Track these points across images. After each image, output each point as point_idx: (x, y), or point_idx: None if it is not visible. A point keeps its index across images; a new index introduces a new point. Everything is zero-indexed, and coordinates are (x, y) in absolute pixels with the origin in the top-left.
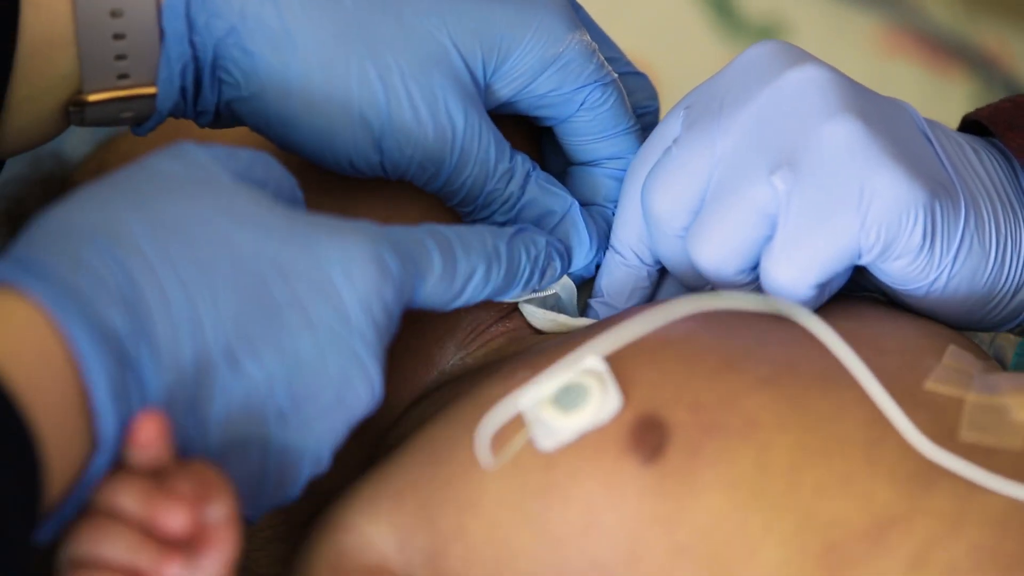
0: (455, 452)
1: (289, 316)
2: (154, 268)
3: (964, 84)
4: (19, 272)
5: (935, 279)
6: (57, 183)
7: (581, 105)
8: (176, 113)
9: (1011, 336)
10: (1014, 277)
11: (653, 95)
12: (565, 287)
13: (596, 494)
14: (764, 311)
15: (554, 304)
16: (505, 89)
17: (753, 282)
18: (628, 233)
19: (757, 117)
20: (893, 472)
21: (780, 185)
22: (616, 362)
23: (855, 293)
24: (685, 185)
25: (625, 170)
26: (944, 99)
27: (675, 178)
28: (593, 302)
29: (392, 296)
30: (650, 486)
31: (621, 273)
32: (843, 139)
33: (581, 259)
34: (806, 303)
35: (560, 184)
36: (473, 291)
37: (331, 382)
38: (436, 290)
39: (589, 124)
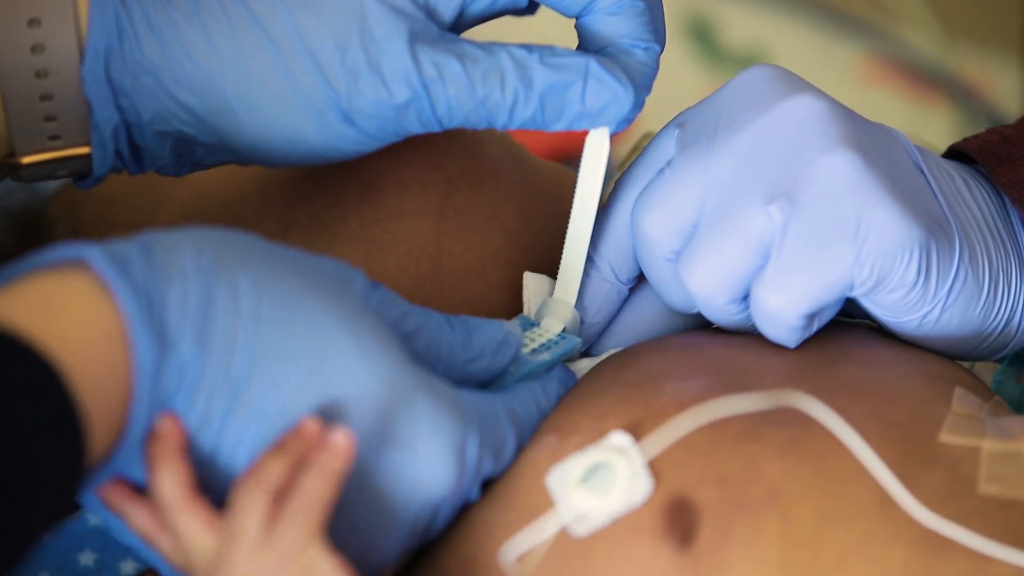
0: (492, 534)
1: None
2: (239, 324)
3: (945, 114)
4: (105, 261)
5: (928, 312)
6: (31, 216)
7: None
8: (121, 170)
9: (989, 363)
10: (1005, 309)
11: None
12: (572, 320)
13: None
14: (772, 407)
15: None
16: (450, 3)
17: (743, 311)
18: (609, 248)
19: (753, 144)
20: (910, 533)
21: (777, 215)
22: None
23: (843, 319)
24: (677, 209)
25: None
26: (925, 129)
27: (667, 201)
28: None
29: (450, 495)
30: (685, 571)
31: (593, 286)
32: (842, 173)
33: (620, 108)
34: (794, 332)
35: (566, 50)
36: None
37: (349, 525)
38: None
39: None
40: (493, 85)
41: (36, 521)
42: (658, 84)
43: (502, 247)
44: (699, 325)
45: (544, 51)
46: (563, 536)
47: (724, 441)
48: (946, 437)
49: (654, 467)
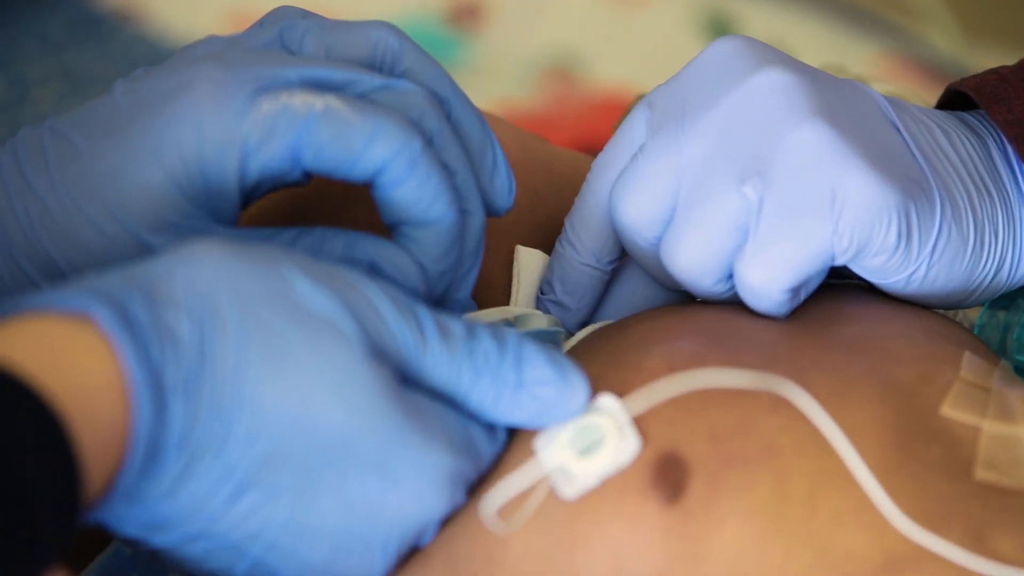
0: (476, 506)
1: (326, 488)
2: (226, 382)
3: None
4: (111, 319)
5: (914, 271)
6: None
7: (302, 157)
8: None
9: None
10: (993, 258)
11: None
12: (549, 322)
13: (621, 539)
14: (756, 388)
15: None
16: (229, 205)
17: (730, 290)
18: (588, 234)
19: (723, 124)
20: (908, 506)
21: (751, 194)
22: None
23: (834, 281)
24: (653, 197)
25: (402, 176)
26: None
27: (642, 189)
28: (544, 299)
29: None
30: (674, 525)
31: (576, 272)
32: (813, 144)
33: (416, 287)
34: (780, 306)
35: (364, 235)
36: None
37: (329, 565)
38: None
39: (330, 162)
40: None
41: (30, 565)
42: None
43: (513, 223)
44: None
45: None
46: (551, 499)
47: (714, 400)
48: (948, 411)
49: (642, 426)
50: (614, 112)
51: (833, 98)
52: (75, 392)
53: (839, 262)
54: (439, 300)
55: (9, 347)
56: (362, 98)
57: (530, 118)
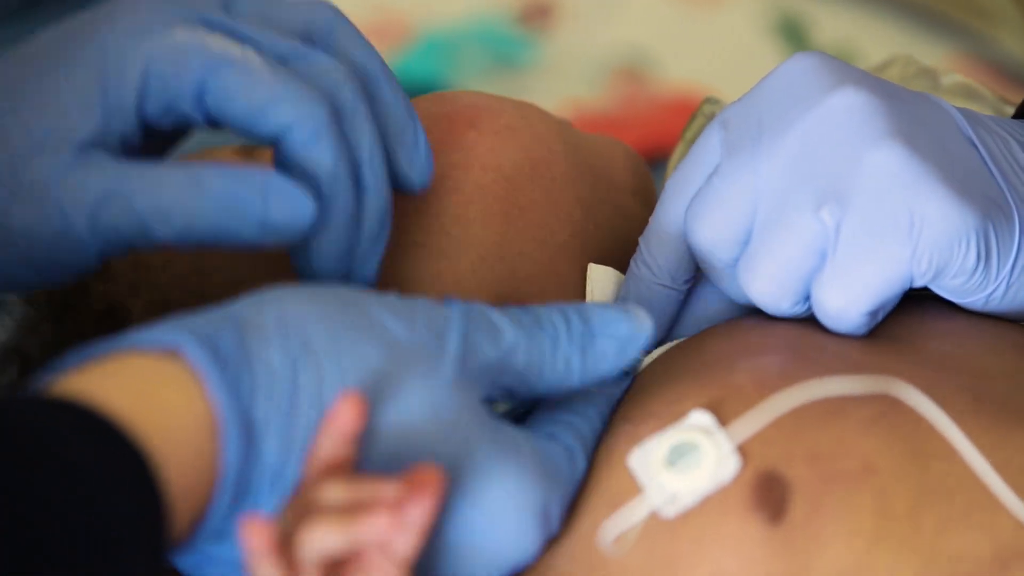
0: (576, 522)
1: None
2: (322, 414)
3: None
4: (200, 353)
5: (992, 291)
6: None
7: (207, 101)
8: None
9: None
10: None
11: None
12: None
13: (724, 559)
14: (871, 392)
15: None
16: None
17: (807, 311)
18: (663, 254)
19: (799, 146)
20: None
21: (828, 219)
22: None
23: (913, 293)
24: (729, 218)
25: (304, 144)
26: None
27: (719, 211)
28: None
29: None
30: (777, 545)
31: (651, 292)
32: (890, 167)
33: None
34: (859, 328)
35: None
36: None
37: None
38: None
39: (234, 113)
40: None
41: None
42: (750, 84)
43: (569, 240)
44: None
45: None
46: (651, 518)
47: (810, 417)
48: None
49: (739, 445)
50: (683, 112)
51: (909, 117)
52: (164, 430)
53: (917, 284)
54: (344, 276)
55: (99, 387)
56: (280, 61)
57: (599, 118)
